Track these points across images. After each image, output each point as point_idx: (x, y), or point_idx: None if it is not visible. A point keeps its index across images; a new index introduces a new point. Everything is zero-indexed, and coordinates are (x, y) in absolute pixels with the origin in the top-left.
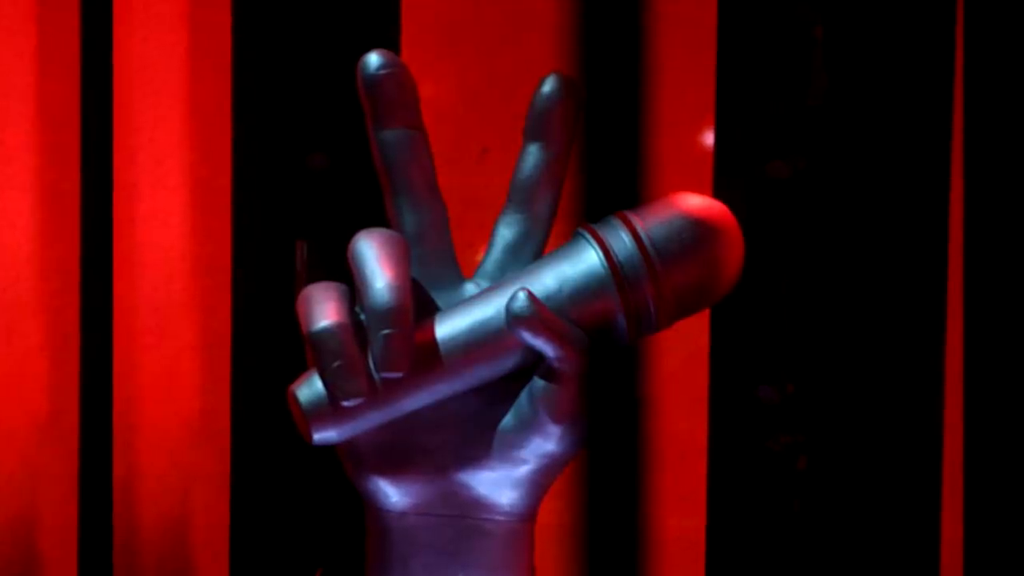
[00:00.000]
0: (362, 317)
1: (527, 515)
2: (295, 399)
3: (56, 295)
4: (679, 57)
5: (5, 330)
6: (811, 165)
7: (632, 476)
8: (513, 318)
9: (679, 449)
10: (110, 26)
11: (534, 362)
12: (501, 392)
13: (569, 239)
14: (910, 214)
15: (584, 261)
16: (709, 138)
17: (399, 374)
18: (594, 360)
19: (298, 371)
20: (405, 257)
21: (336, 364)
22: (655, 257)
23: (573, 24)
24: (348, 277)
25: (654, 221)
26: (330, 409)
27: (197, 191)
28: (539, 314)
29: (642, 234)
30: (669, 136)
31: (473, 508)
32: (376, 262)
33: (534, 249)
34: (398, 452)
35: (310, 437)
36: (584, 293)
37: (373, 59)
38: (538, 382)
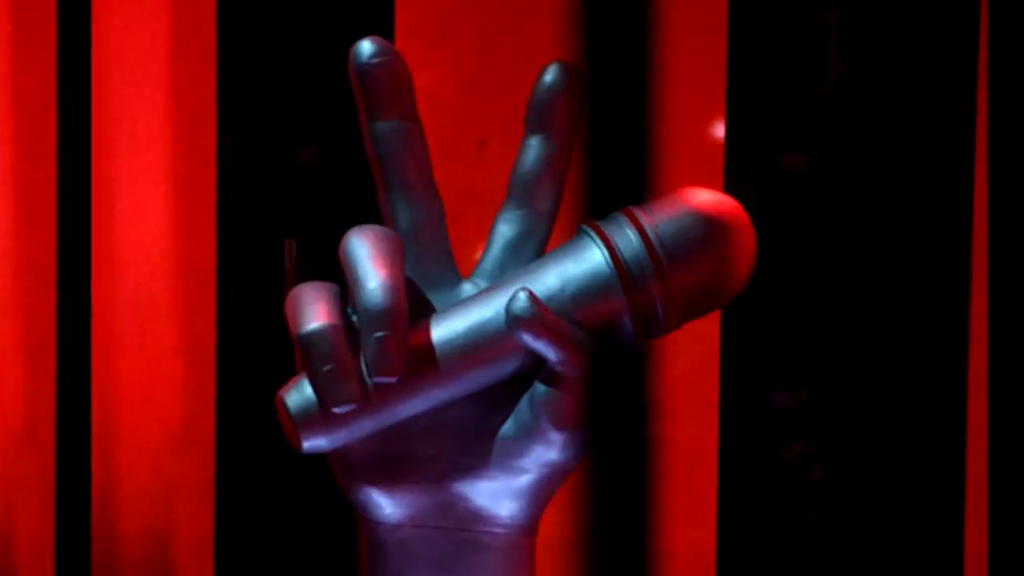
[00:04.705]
0: (354, 319)
1: (528, 528)
2: (283, 405)
3: (31, 294)
4: (688, 44)
5: None
6: (827, 158)
7: (639, 486)
8: (513, 319)
9: (688, 458)
10: (88, 11)
11: (535, 366)
12: (500, 398)
13: (572, 236)
14: (932, 209)
15: (588, 260)
16: (720, 130)
17: (393, 379)
18: (599, 364)
19: (286, 376)
20: (399, 255)
21: (326, 368)
22: (663, 256)
23: (576, 10)
24: (339, 277)
25: (662, 217)
26: (320, 416)
27: (180, 186)
28: (540, 315)
29: (649, 231)
30: (678, 128)
31: (471, 520)
32: (369, 261)
33: (535, 247)
34: (392, 461)
35: (299, 445)
36: (588, 293)
37: (365, 47)
38: (540, 387)
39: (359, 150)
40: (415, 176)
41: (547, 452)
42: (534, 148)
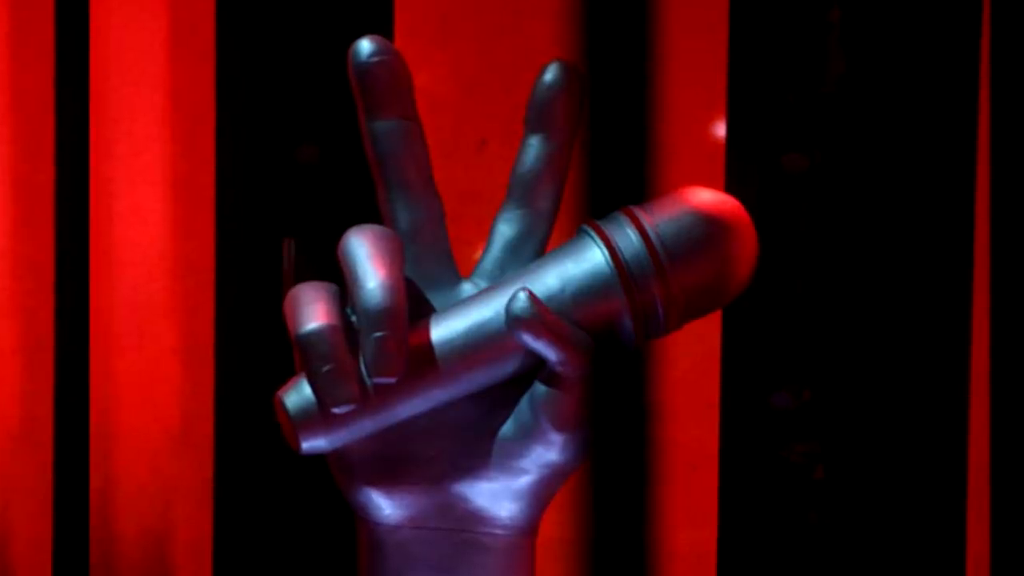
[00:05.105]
0: (353, 319)
1: (528, 529)
2: (282, 406)
3: (29, 295)
4: (689, 43)
5: None
6: (829, 157)
7: (639, 487)
8: (513, 320)
9: (689, 459)
10: (86, 11)
11: (535, 366)
12: (500, 398)
13: (572, 236)
14: (934, 208)
15: (588, 260)
16: (721, 129)
17: (392, 379)
18: (599, 365)
19: (285, 376)
20: (399, 255)
21: (326, 369)
22: (663, 255)
23: (577, 9)
24: (338, 277)
25: (662, 217)
26: (319, 416)
27: (178, 186)
28: (541, 316)
29: (650, 231)
30: (679, 127)
31: (471, 521)
32: (368, 261)
33: (535, 247)
34: (391, 462)
35: (298, 446)
36: (588, 294)
37: (365, 46)
38: (540, 388)
39: (359, 149)
40: (415, 176)
41: (547, 453)
42: (534, 148)
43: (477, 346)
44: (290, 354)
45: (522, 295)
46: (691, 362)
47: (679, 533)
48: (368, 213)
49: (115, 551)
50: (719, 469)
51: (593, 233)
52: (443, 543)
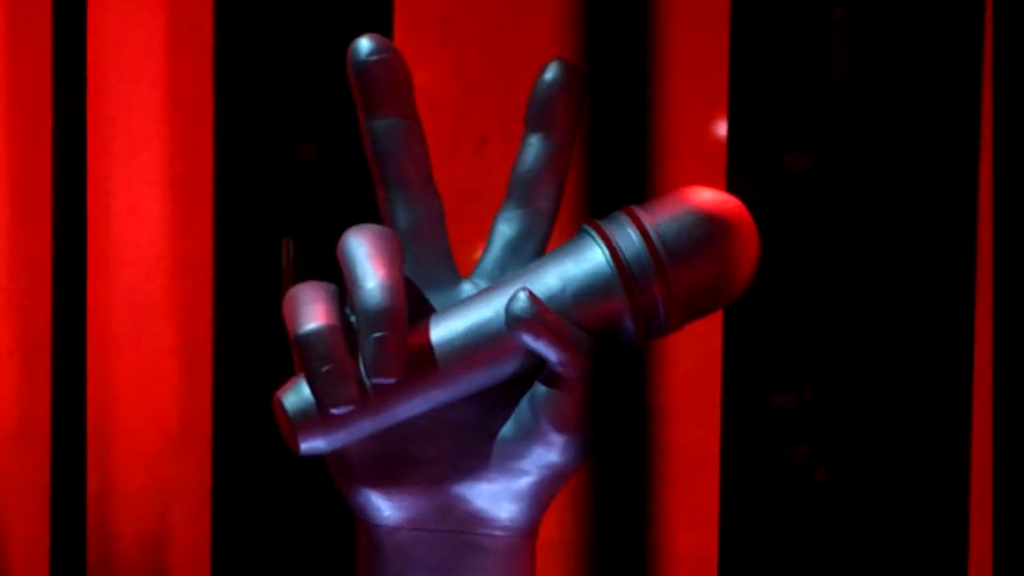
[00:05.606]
0: (352, 319)
1: (528, 530)
2: (281, 406)
3: (26, 294)
4: (690, 41)
5: None
6: (831, 156)
7: (640, 488)
8: (513, 320)
9: (690, 460)
10: (84, 8)
11: (536, 367)
12: (500, 399)
13: (573, 236)
14: (936, 208)
15: (589, 260)
16: (722, 128)
17: (392, 380)
18: (600, 365)
19: (284, 376)
20: (398, 255)
21: (325, 369)
22: (664, 255)
23: (577, 6)
24: (337, 276)
25: (663, 217)
26: (318, 417)
27: (176, 185)
28: (541, 316)
29: (651, 231)
30: (679, 126)
31: (470, 523)
32: (367, 260)
33: (535, 247)
34: (391, 463)
35: (297, 447)
36: (589, 294)
37: (364, 44)
38: (540, 388)
39: (358, 149)
40: (414, 175)
41: (548, 454)
42: (534, 147)
43: (477, 346)
44: (289, 354)
45: (522, 295)
46: (692, 362)
47: (680, 534)
48: (367, 213)
49: (113, 552)
50: (720, 470)
51: (594, 233)
52: (443, 545)
